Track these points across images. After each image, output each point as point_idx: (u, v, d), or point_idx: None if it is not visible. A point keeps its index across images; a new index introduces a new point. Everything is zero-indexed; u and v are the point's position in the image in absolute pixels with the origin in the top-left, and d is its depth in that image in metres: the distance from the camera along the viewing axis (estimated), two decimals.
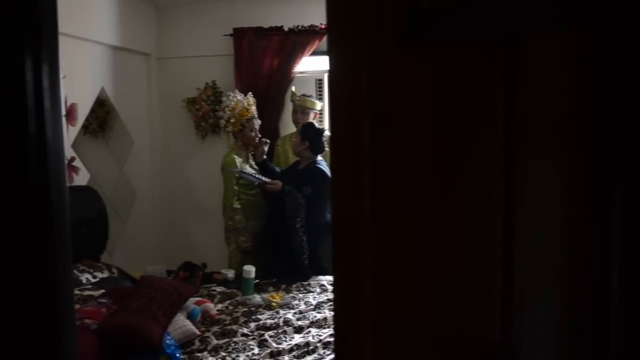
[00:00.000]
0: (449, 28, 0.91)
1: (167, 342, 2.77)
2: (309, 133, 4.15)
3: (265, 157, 4.40)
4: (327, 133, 4.20)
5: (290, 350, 2.86)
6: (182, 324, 2.97)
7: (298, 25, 5.02)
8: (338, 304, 1.12)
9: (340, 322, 1.11)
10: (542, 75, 0.82)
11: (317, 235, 3.97)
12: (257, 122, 4.41)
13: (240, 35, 5.16)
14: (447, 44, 0.89)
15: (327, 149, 4.19)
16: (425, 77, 0.93)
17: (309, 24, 4.98)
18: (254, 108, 4.42)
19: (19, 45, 0.69)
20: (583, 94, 0.79)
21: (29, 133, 0.68)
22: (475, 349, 0.92)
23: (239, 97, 4.40)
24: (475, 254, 0.92)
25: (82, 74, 4.38)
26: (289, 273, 3.99)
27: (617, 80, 0.74)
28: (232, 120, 4.33)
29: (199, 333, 3.02)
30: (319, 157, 4.20)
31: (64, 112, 3.93)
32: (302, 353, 2.84)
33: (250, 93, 4.52)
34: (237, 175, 4.21)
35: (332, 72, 1.04)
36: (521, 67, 0.83)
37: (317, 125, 4.40)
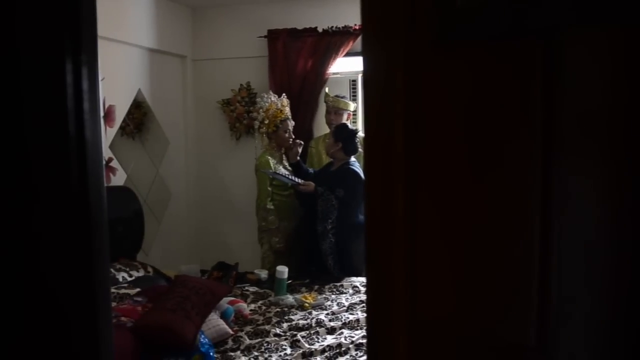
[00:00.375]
0: (484, 28, 0.90)
1: (202, 340, 2.80)
2: (342, 134, 4.15)
3: (298, 158, 4.42)
4: (360, 134, 4.19)
5: (323, 351, 2.86)
6: (215, 323, 3.00)
7: (332, 26, 5.01)
8: (370, 305, 1.11)
9: (372, 323, 1.11)
10: (581, 76, 0.80)
11: (350, 236, 3.96)
12: (291, 123, 4.43)
13: (274, 36, 5.19)
14: (482, 44, 0.89)
15: (360, 150, 4.17)
16: (460, 78, 0.92)
17: (343, 25, 4.98)
18: (287, 109, 4.43)
19: (59, 48, 0.71)
20: (624, 96, 0.77)
21: (68, 135, 0.70)
22: (509, 353, 0.91)
23: (272, 99, 4.42)
24: (510, 256, 0.91)
25: (120, 76, 4.45)
26: (319, 274, 3.99)
27: None
28: (266, 122, 4.35)
29: (232, 332, 3.04)
30: (352, 159, 4.18)
31: (102, 113, 4.00)
32: (334, 354, 2.83)
33: (284, 94, 4.53)
34: (270, 176, 4.23)
35: (366, 73, 1.04)
36: (559, 68, 0.82)
37: (350, 126, 4.39)
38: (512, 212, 0.90)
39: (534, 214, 0.87)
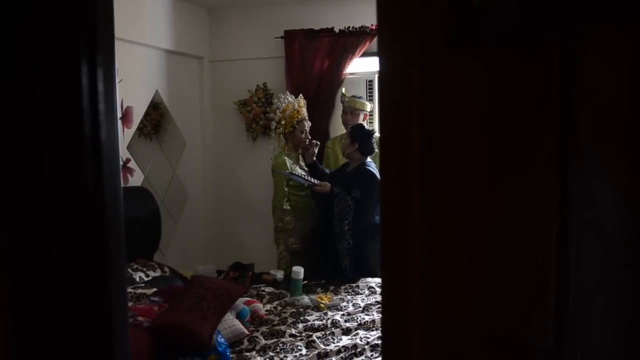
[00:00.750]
0: (500, 28, 0.89)
1: (219, 340, 2.81)
2: (359, 134, 4.14)
3: (315, 158, 4.42)
4: (376, 134, 4.18)
5: (338, 352, 2.86)
6: (231, 323, 3.01)
7: (349, 27, 5.01)
8: (386, 306, 1.11)
9: (388, 324, 1.10)
10: (599, 75, 0.80)
11: (366, 237, 3.94)
12: (308, 124, 4.43)
13: (291, 37, 5.19)
14: (500, 44, 0.88)
15: (376, 150, 4.16)
16: (477, 78, 0.91)
17: (359, 25, 4.97)
18: (304, 110, 4.44)
19: (74, 50, 0.71)
20: None
21: (84, 135, 0.70)
22: (526, 355, 0.90)
23: (289, 99, 4.43)
24: (527, 257, 0.90)
25: (137, 77, 4.48)
26: (335, 275, 3.99)
27: None
28: (283, 122, 4.35)
29: (247, 333, 3.05)
30: (368, 159, 4.17)
31: (119, 115, 4.03)
32: (349, 355, 2.83)
33: (300, 95, 4.54)
34: (286, 177, 4.24)
35: (381, 72, 1.03)
36: (578, 67, 0.81)
37: (366, 126, 4.38)
38: (530, 214, 0.89)
39: (552, 215, 0.86)
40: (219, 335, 2.85)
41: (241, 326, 3.04)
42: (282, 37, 5.23)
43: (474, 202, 0.94)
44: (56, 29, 0.70)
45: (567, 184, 0.84)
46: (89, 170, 0.70)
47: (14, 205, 0.71)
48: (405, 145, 0.99)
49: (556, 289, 0.87)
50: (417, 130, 0.98)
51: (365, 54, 5.04)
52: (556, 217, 0.87)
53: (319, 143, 4.48)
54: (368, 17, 4.89)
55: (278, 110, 4.40)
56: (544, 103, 0.87)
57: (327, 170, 4.47)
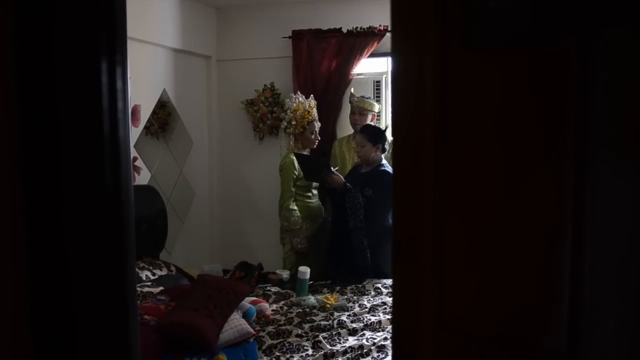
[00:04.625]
0: (518, 29, 0.89)
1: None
2: (379, 137, 4.08)
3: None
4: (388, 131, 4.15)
5: (344, 352, 2.86)
6: (237, 322, 3.01)
7: (357, 27, 5.01)
8: (397, 305, 1.11)
9: (398, 323, 1.10)
10: (616, 79, 0.79)
11: (379, 237, 3.91)
12: (318, 125, 4.44)
13: (298, 37, 5.20)
14: (515, 46, 0.88)
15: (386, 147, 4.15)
16: (492, 79, 0.91)
17: (367, 26, 4.97)
18: (315, 111, 4.44)
19: (95, 48, 0.71)
20: None
21: (103, 134, 0.70)
22: (540, 358, 0.90)
23: (301, 100, 4.43)
24: (541, 259, 0.90)
25: (145, 76, 4.49)
26: (350, 273, 3.95)
27: None
28: (294, 122, 4.35)
29: (253, 332, 3.05)
30: (384, 160, 4.13)
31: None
32: (355, 356, 2.83)
33: (312, 95, 4.54)
34: (301, 161, 4.18)
35: (395, 73, 1.03)
36: (594, 69, 0.81)
37: (379, 127, 4.37)
38: (545, 215, 0.89)
39: (567, 220, 0.86)
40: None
41: (247, 326, 3.04)
42: (289, 37, 5.24)
43: (487, 203, 0.94)
44: (77, 27, 0.70)
45: (583, 185, 0.84)
46: (108, 170, 0.70)
47: (32, 204, 0.72)
48: (418, 147, 0.99)
49: (570, 293, 0.86)
50: (431, 131, 0.98)
51: (372, 55, 5.04)
52: (571, 219, 0.87)
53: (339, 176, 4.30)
54: (376, 18, 4.88)
55: (289, 111, 4.40)
56: (560, 105, 0.86)
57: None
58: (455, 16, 0.92)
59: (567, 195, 0.87)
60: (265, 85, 5.43)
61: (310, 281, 3.76)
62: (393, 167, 1.07)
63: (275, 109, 5.34)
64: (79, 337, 0.73)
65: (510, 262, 0.94)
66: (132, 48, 4.01)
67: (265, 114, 5.41)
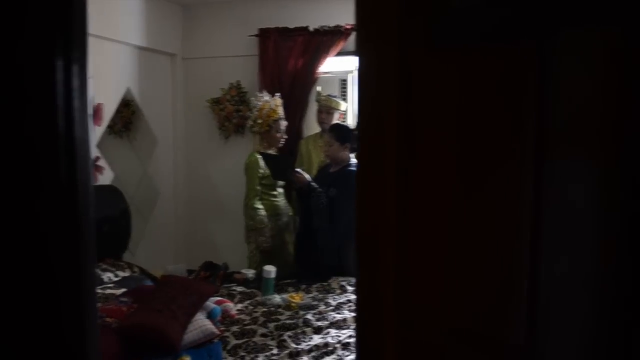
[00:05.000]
0: (479, 30, 0.90)
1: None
2: (347, 135, 4.07)
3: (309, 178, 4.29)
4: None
5: (310, 350, 2.86)
6: (201, 323, 2.99)
7: (323, 26, 5.02)
8: (360, 305, 1.11)
9: (362, 321, 1.10)
10: (572, 78, 0.81)
11: (342, 236, 3.91)
12: (284, 124, 4.43)
13: (265, 35, 5.19)
14: (477, 45, 0.89)
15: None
16: (454, 79, 0.92)
17: (334, 25, 4.98)
18: (281, 109, 4.43)
19: (50, 45, 0.70)
20: (613, 98, 0.78)
21: (58, 132, 0.69)
22: (498, 352, 0.92)
23: (266, 98, 4.42)
24: (501, 257, 0.92)
25: (108, 74, 4.43)
26: (315, 272, 3.95)
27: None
28: (259, 121, 4.34)
29: (218, 333, 3.03)
30: (353, 159, 4.11)
31: (90, 112, 3.97)
32: (321, 354, 2.83)
33: (277, 94, 4.53)
34: (265, 161, 4.18)
35: (360, 73, 1.04)
36: (552, 69, 0.82)
37: (348, 125, 4.38)
38: (505, 215, 0.90)
39: (525, 216, 0.88)
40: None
41: (212, 326, 3.02)
42: (256, 35, 5.22)
43: (450, 201, 0.95)
44: (32, 24, 0.68)
45: (540, 183, 0.85)
46: (63, 168, 0.69)
47: None
48: (381, 147, 0.99)
49: (528, 288, 0.88)
50: (394, 131, 0.98)
51: (339, 53, 5.05)
52: (530, 216, 0.88)
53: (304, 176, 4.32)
54: (343, 17, 4.89)
55: (255, 109, 4.39)
56: (519, 104, 0.88)
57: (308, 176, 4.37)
58: (418, 17, 0.93)
59: (527, 194, 0.89)
60: (231, 83, 5.41)
61: (275, 280, 3.75)
62: (357, 166, 1.07)
63: (241, 107, 5.31)
64: (28, 342, 0.72)
65: (471, 259, 0.96)
66: (95, 46, 3.96)
67: (231, 112, 5.39)
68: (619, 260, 0.78)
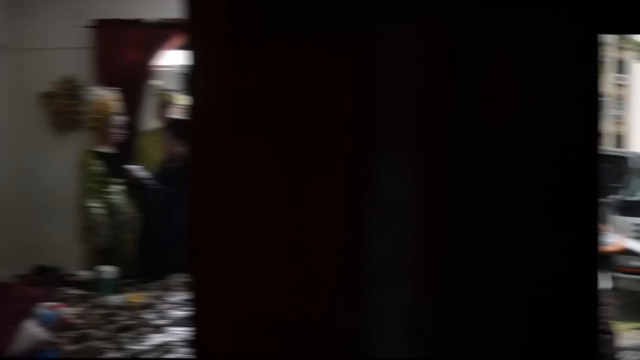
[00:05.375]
0: (304, 25, 0.92)
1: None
2: (182, 129, 4.02)
3: None
4: None
5: (151, 350, 2.81)
6: (32, 331, 2.83)
7: (161, 19, 4.91)
8: (193, 302, 1.12)
9: (195, 319, 1.11)
10: (394, 70, 0.84)
11: (180, 233, 3.87)
12: (120, 119, 4.29)
13: (100, 27, 4.99)
14: (300, 40, 0.91)
15: None
16: (282, 73, 0.94)
17: (171, 18, 4.89)
18: (116, 104, 4.28)
19: None
20: (434, 86, 0.82)
21: None
22: (324, 338, 0.96)
23: (100, 93, 4.25)
24: (327, 248, 0.96)
25: None
26: (154, 270, 3.89)
27: (464, 70, 0.78)
28: (94, 117, 4.17)
29: (51, 340, 2.89)
30: None
31: None
32: (161, 352, 2.80)
33: (113, 88, 4.37)
34: (100, 165, 4.05)
35: (190, 70, 1.04)
36: (372, 64, 0.86)
37: (185, 119, 4.33)
38: (328, 208, 0.94)
39: (349, 209, 0.92)
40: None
41: (44, 333, 2.87)
42: (90, 27, 5.00)
43: (277, 195, 0.98)
44: None
45: (364, 176, 0.90)
46: None
47: None
48: (211, 143, 1.00)
49: (353, 277, 0.93)
50: (222, 127, 1.00)
51: (177, 47, 4.97)
52: (353, 209, 0.93)
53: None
54: (180, 10, 4.82)
55: (89, 104, 4.21)
56: (341, 98, 0.91)
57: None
58: (245, 13, 0.94)
59: (352, 186, 0.93)
60: (63, 77, 5.13)
61: (114, 280, 3.64)
62: (188, 161, 1.08)
63: (75, 102, 5.07)
64: None
65: (298, 252, 0.99)
66: None
67: (64, 107, 5.12)
68: (435, 246, 0.84)
